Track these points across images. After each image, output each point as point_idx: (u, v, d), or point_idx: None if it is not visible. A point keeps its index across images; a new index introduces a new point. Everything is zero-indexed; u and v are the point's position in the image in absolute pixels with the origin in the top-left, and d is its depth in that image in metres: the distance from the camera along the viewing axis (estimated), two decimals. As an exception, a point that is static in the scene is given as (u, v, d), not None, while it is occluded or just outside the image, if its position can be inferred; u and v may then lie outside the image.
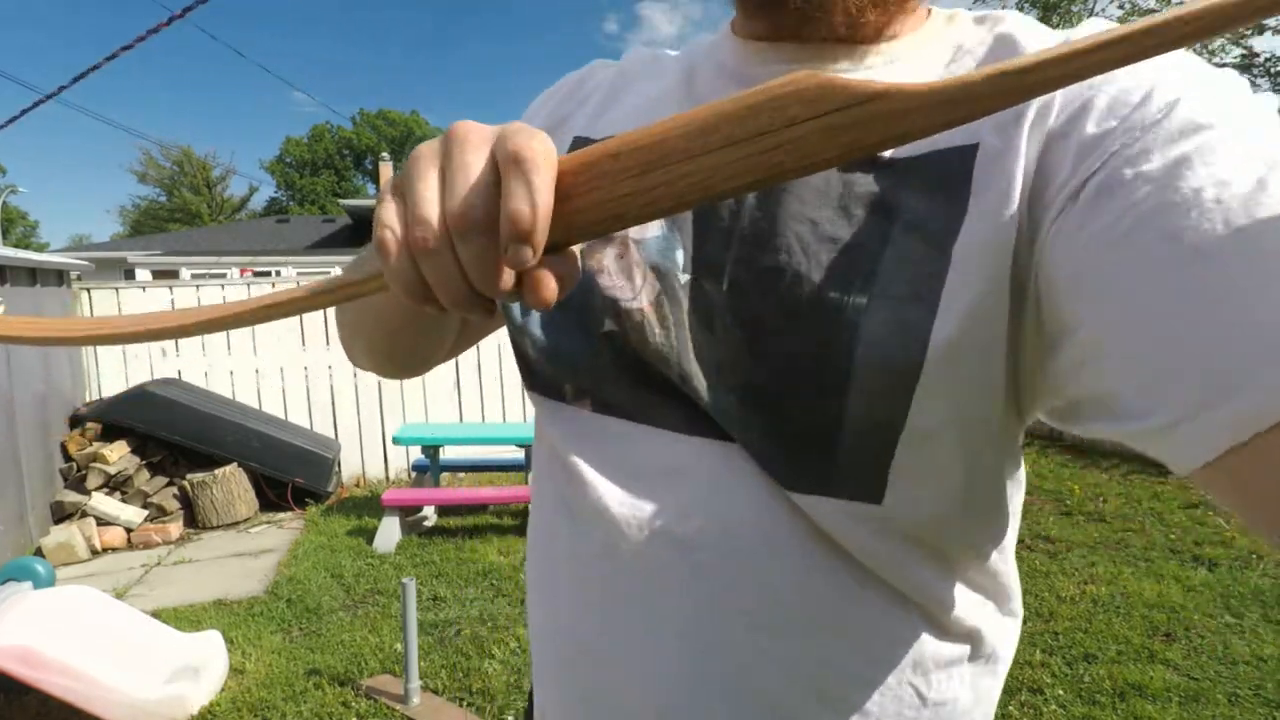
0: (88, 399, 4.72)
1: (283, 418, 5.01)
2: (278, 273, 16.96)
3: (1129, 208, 0.34)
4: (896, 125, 0.25)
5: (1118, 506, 4.03)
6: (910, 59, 0.47)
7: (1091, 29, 0.41)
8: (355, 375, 5.16)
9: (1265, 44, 11.61)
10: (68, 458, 4.15)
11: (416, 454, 4.71)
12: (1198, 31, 0.22)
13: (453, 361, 5.29)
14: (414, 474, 4.70)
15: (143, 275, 17.43)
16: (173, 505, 4.14)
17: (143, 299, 4.87)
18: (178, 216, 38.21)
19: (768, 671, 0.45)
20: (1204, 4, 0.22)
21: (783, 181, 0.28)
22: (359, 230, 23.45)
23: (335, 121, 44.20)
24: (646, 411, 0.48)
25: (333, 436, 5.10)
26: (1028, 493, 4.37)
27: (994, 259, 0.39)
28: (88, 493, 3.96)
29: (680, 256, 0.47)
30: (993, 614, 0.51)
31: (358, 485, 5.09)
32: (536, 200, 0.28)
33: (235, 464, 4.29)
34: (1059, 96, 0.40)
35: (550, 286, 0.30)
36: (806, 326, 0.42)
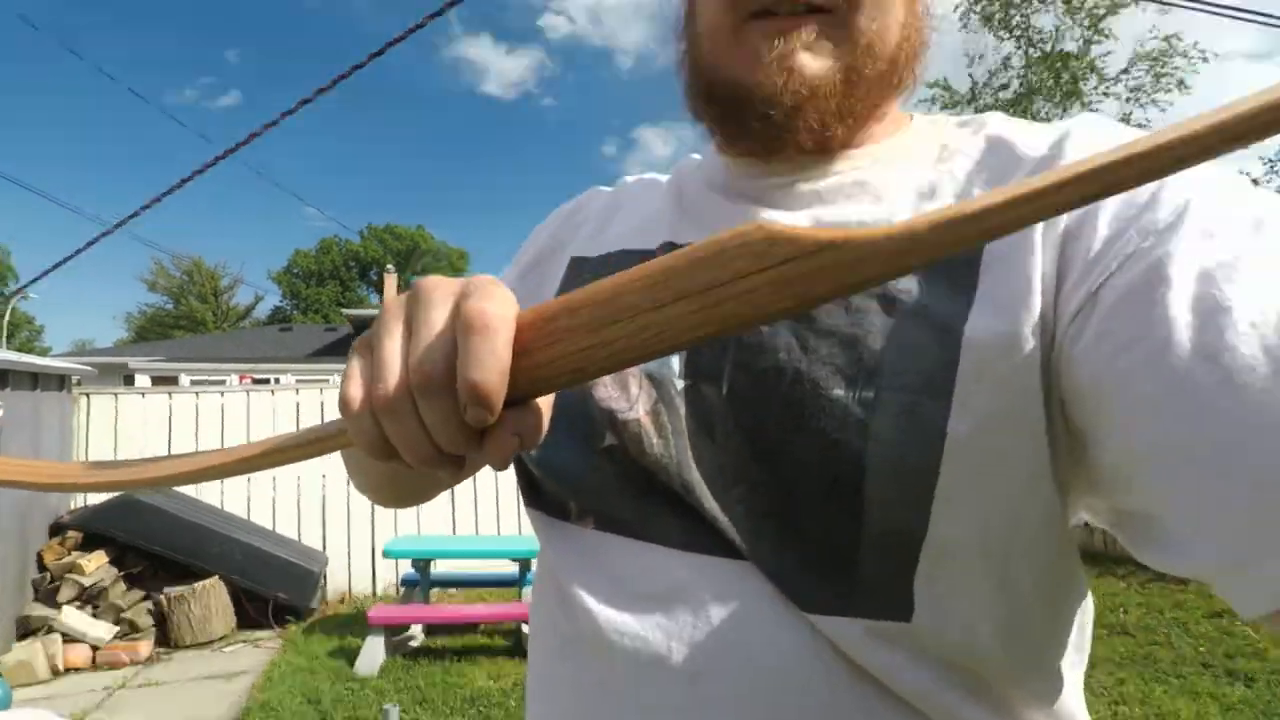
0: (72, 505, 4.60)
1: (270, 528, 4.87)
2: (277, 380, 17.02)
3: (1158, 321, 0.33)
4: (848, 275, 0.25)
5: (1139, 617, 3.86)
6: (895, 160, 0.47)
7: (1083, 122, 0.45)
8: (348, 483, 5.05)
9: (1231, 161, 12.28)
10: (43, 568, 3.99)
11: (406, 567, 4.55)
12: (1189, 157, 0.21)
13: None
14: (402, 589, 4.51)
15: (142, 381, 17.48)
16: (145, 622, 3.94)
17: (141, 405, 4.85)
18: (182, 323, 38.84)
19: None
20: (1182, 131, 0.22)
21: (744, 331, 0.28)
22: (360, 339, 23.73)
23: (344, 235, 45.83)
24: (650, 527, 0.45)
25: (321, 549, 4.94)
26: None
27: (1011, 351, 0.38)
28: (58, 606, 3.77)
29: (675, 362, 0.46)
30: None
31: (342, 602, 4.88)
32: (491, 364, 0.28)
33: (216, 577, 4.12)
34: None
35: (507, 445, 0.30)
36: (812, 428, 0.40)
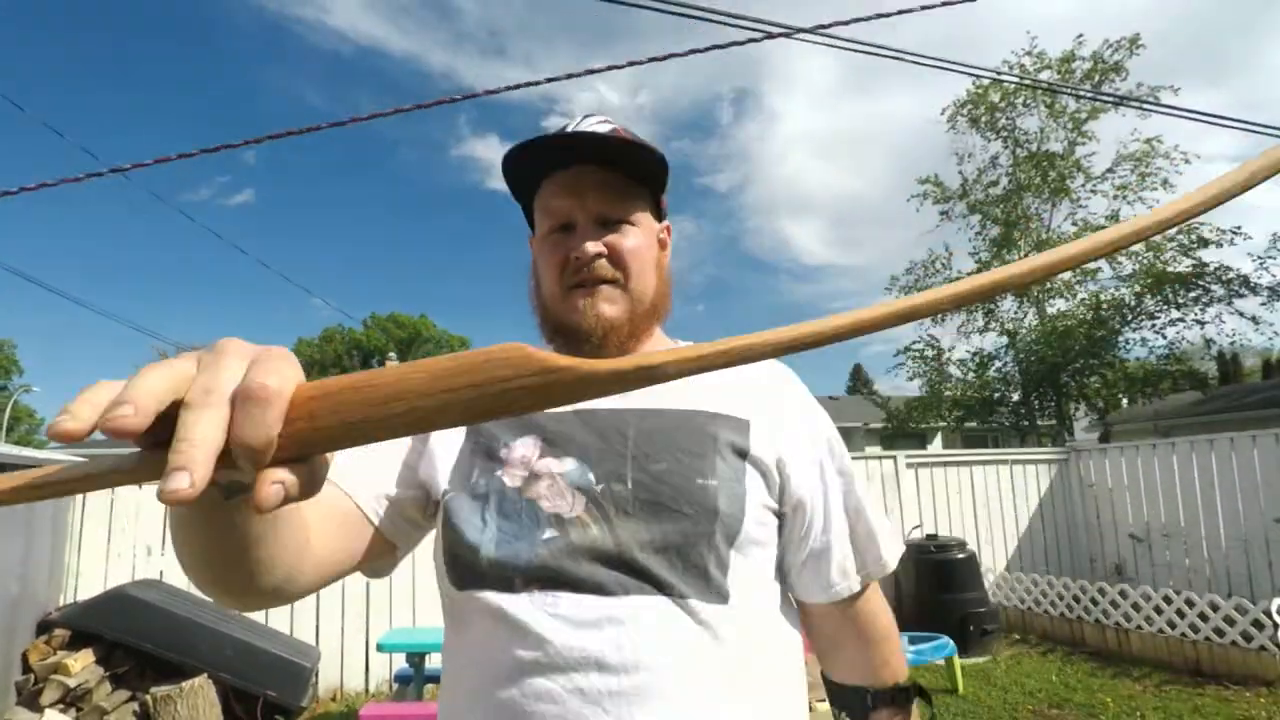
0: (62, 602, 4.51)
1: (263, 622, 4.76)
2: (275, 468, 16.84)
3: (832, 459, 0.84)
4: (573, 392, 0.35)
5: (1157, 722, 3.71)
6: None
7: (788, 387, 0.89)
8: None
9: (1211, 255, 12.58)
10: (27, 668, 3.88)
11: (401, 662, 4.41)
12: (784, 349, 0.36)
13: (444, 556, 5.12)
14: (395, 685, 4.36)
15: (139, 471, 17.31)
16: (130, 724, 3.79)
17: (137, 495, 4.83)
18: (183, 413, 38.76)
19: None
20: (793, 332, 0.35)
21: (491, 419, 0.36)
22: (360, 426, 23.69)
23: (347, 324, 46.47)
24: (584, 585, 0.69)
25: (314, 643, 4.81)
26: (1055, 706, 4.04)
27: (767, 463, 0.78)
28: (40, 710, 3.64)
29: (590, 477, 0.73)
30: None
31: (334, 699, 4.70)
32: (258, 432, 0.31)
33: (205, 675, 4.00)
34: (765, 370, 0.86)
35: (267, 493, 0.32)
36: (689, 502, 0.72)
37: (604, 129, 0.81)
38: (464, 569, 0.72)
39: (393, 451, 0.79)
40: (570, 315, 0.80)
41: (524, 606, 0.69)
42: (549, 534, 0.70)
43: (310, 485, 0.35)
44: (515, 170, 0.83)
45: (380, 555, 0.78)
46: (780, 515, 0.79)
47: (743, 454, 0.76)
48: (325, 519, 0.68)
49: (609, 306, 0.79)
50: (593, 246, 0.78)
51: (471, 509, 0.73)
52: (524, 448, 0.76)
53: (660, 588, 0.69)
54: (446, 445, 0.79)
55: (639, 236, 0.82)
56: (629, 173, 0.82)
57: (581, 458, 0.74)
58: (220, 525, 0.48)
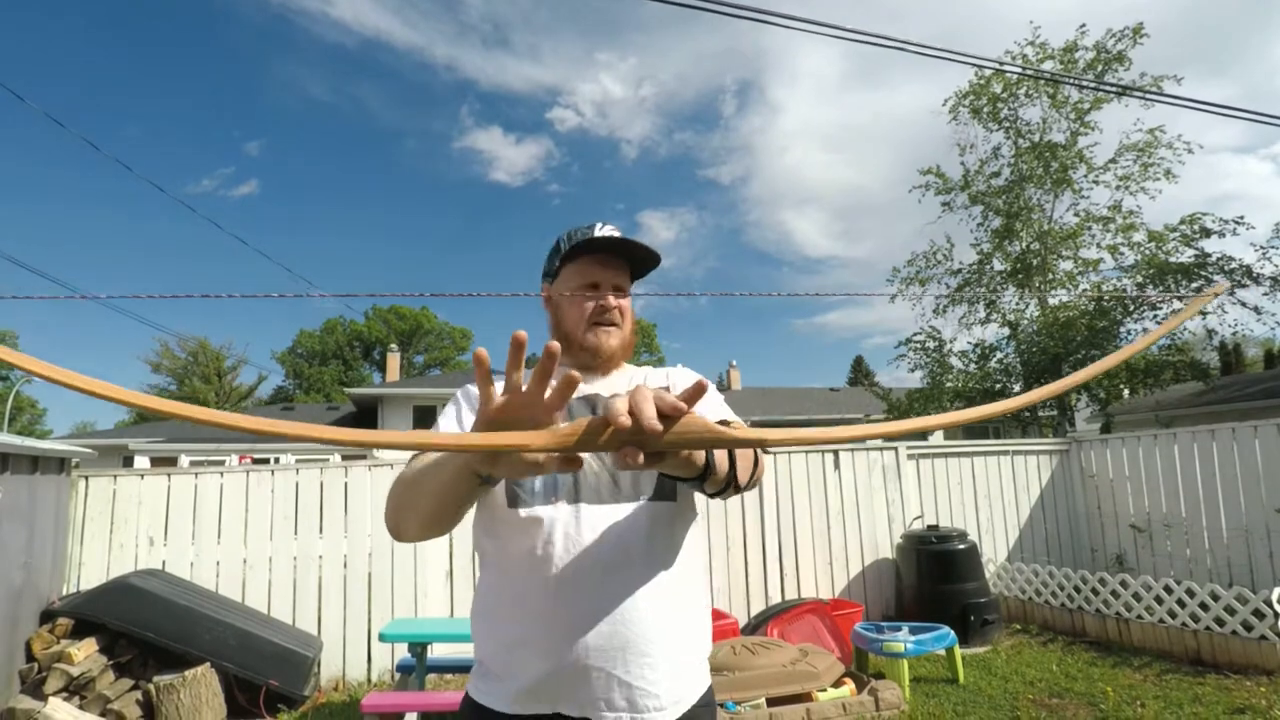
0: (65, 591, 4.52)
1: (265, 612, 4.78)
2: (277, 460, 16.91)
3: (712, 401, 1.21)
4: (729, 443, 0.71)
5: (1157, 711, 3.72)
6: (623, 376, 1.32)
7: (680, 371, 1.36)
8: (345, 566, 4.99)
9: (1214, 245, 12.53)
10: (31, 657, 3.90)
11: (403, 651, 4.42)
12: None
13: (445, 549, 5.14)
14: (398, 675, 4.38)
15: (142, 462, 17.38)
16: (133, 713, 3.81)
17: (139, 486, 4.84)
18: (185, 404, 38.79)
19: (620, 590, 1.09)
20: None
21: (697, 448, 0.81)
22: (362, 418, 23.74)
23: (348, 316, 46.44)
24: (599, 496, 1.13)
25: (315, 633, 4.83)
26: (1055, 695, 4.06)
27: None
28: (44, 698, 3.66)
29: (595, 462, 1.16)
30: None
31: (336, 689, 4.72)
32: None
33: (208, 664, 4.02)
34: (676, 373, 1.36)
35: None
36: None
37: (618, 234, 1.29)
38: (517, 491, 1.13)
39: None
40: (591, 341, 1.27)
41: (552, 515, 1.11)
42: (569, 480, 1.14)
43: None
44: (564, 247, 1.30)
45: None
46: None
47: None
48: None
49: (613, 340, 1.28)
50: (614, 300, 1.28)
51: None
52: None
53: (635, 496, 1.13)
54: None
55: (628, 301, 1.33)
56: (633, 264, 1.32)
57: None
58: (470, 496, 1.00)
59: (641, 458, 0.67)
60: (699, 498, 1.19)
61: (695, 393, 0.70)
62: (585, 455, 1.03)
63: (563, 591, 1.07)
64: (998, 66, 11.72)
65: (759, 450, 1.04)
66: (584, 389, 1.26)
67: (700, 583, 1.22)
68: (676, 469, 0.84)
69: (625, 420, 0.66)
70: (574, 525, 1.10)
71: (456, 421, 1.22)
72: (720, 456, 0.91)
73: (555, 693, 1.07)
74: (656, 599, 1.10)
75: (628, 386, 1.27)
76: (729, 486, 0.96)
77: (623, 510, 1.12)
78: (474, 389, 1.19)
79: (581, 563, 1.08)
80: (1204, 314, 12.68)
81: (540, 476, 1.07)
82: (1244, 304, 12.45)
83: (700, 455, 0.85)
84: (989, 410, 0.82)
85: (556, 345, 0.68)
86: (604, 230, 1.29)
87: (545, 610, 1.08)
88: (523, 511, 1.12)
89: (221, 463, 15.15)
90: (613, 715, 1.05)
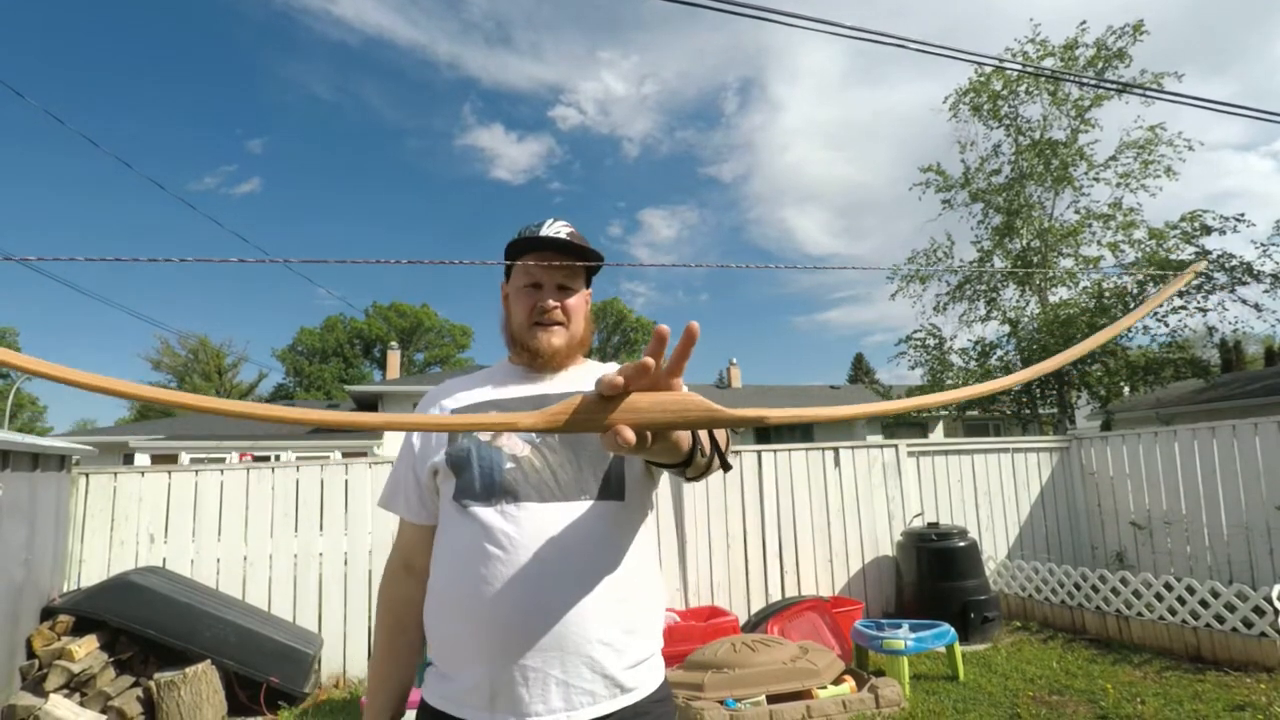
0: (66, 588, 4.53)
1: (266, 609, 4.78)
2: (277, 457, 16.92)
3: None
4: (712, 423, 0.70)
5: (1157, 708, 3.72)
6: (581, 374, 1.31)
7: (616, 367, 1.09)
8: (345, 563, 4.99)
9: (1214, 242, 12.53)
10: (32, 654, 3.90)
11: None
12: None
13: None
14: (398, 672, 4.37)
15: (142, 460, 17.38)
16: (134, 709, 3.82)
17: (140, 483, 4.84)
18: (185, 402, 38.77)
19: (559, 589, 1.09)
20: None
21: (680, 429, 0.73)
22: (362, 415, 23.70)
23: (349, 313, 46.38)
24: (532, 496, 1.13)
25: (316, 630, 4.83)
26: (1055, 692, 4.06)
27: None
28: (45, 695, 3.66)
29: (533, 433, 1.17)
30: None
31: (337, 686, 4.73)
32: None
33: (208, 661, 4.02)
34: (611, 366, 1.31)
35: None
36: (595, 445, 1.17)
37: (565, 233, 1.28)
38: (462, 491, 1.16)
39: (407, 474, 1.27)
40: (532, 341, 1.26)
41: (495, 511, 1.13)
42: (509, 465, 1.16)
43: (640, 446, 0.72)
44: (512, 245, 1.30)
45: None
46: None
47: None
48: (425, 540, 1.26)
49: (557, 339, 1.27)
50: (553, 302, 1.27)
51: (464, 457, 1.18)
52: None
53: (578, 495, 1.14)
54: (435, 433, 1.24)
55: (578, 299, 1.31)
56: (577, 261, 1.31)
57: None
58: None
59: (632, 436, 0.66)
60: (663, 490, 1.31)
61: (683, 350, 0.71)
62: (529, 453, 1.16)
63: (500, 591, 1.07)
64: (998, 64, 11.70)
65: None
66: (532, 389, 1.26)
67: (650, 581, 1.20)
68: (663, 454, 0.83)
69: (618, 381, 0.68)
70: (514, 525, 1.10)
71: (416, 436, 1.27)
72: (705, 440, 0.89)
73: (493, 693, 1.07)
74: (598, 598, 1.09)
75: (583, 383, 1.26)
76: (708, 469, 0.95)
77: (565, 509, 1.12)
78: (444, 399, 1.28)
79: (519, 562, 1.08)
80: (1204, 311, 12.69)
81: (480, 476, 1.15)
82: (1244, 301, 12.44)
83: (686, 438, 0.84)
84: (989, 387, 0.85)
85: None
86: (551, 228, 1.27)
87: (483, 610, 1.08)
88: (465, 510, 1.14)
89: (222, 460, 15.15)
90: (549, 715, 1.05)
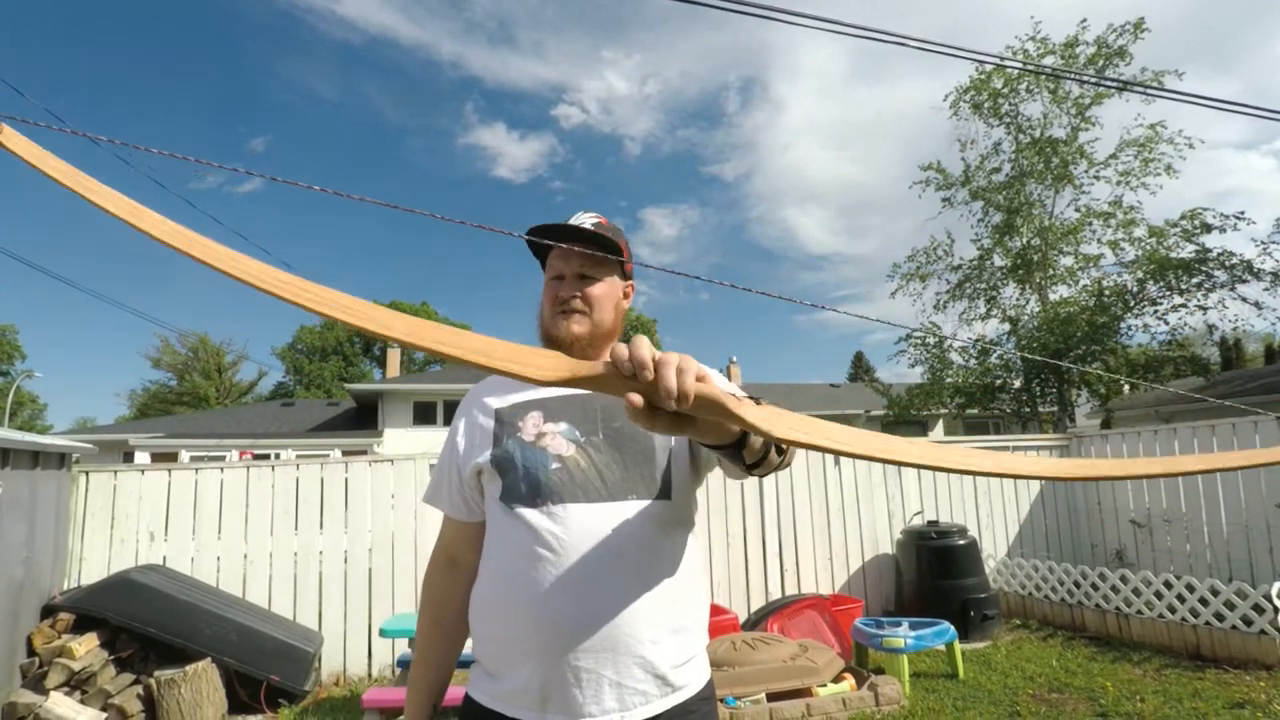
0: (66, 586, 4.53)
1: (266, 607, 4.78)
2: (277, 455, 16.92)
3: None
4: (740, 423, 0.69)
5: (1157, 706, 3.73)
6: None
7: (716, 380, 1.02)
8: (346, 562, 4.99)
9: (1214, 241, 12.53)
10: (32, 652, 3.90)
11: (404, 647, 4.43)
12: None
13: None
14: (399, 670, 4.38)
15: (142, 458, 17.39)
16: (134, 707, 3.82)
17: (140, 481, 4.84)
18: (185, 400, 38.88)
19: (608, 589, 1.09)
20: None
21: (705, 437, 0.80)
22: (361, 414, 23.74)
23: (349, 311, 46.15)
24: (587, 495, 1.14)
25: (316, 628, 4.83)
26: (1055, 690, 4.06)
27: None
28: (45, 693, 3.67)
29: (577, 433, 1.19)
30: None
31: (337, 684, 4.73)
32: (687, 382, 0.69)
33: (208, 659, 4.02)
34: None
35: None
36: (638, 436, 1.19)
37: (590, 223, 1.29)
38: (508, 492, 1.17)
39: (450, 472, 1.27)
40: (555, 330, 1.26)
41: (543, 512, 1.13)
42: (554, 466, 1.16)
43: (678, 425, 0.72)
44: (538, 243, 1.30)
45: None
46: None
47: None
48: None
49: (578, 327, 1.26)
50: (569, 291, 1.26)
51: (508, 459, 1.18)
52: (534, 419, 1.21)
53: (625, 495, 1.14)
54: (480, 432, 1.24)
55: (603, 288, 1.28)
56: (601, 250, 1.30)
57: (570, 422, 1.21)
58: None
59: (641, 402, 0.66)
60: (708, 489, 1.29)
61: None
62: (574, 453, 1.17)
63: (550, 592, 1.08)
64: (999, 62, 11.68)
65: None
66: (574, 389, 1.27)
67: (696, 580, 1.21)
68: (704, 434, 0.78)
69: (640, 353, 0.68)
70: (561, 526, 1.11)
71: (461, 435, 1.26)
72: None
73: (545, 694, 1.08)
74: (649, 599, 1.10)
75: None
76: (764, 460, 0.88)
77: (613, 509, 1.13)
78: (486, 397, 1.27)
79: (568, 563, 1.09)
80: (1204, 309, 12.68)
81: (525, 478, 1.17)
82: (1244, 299, 12.43)
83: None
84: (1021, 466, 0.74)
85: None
86: (576, 219, 1.30)
87: (532, 611, 1.09)
88: (511, 511, 1.15)
89: (222, 458, 15.15)
90: (603, 716, 1.06)
